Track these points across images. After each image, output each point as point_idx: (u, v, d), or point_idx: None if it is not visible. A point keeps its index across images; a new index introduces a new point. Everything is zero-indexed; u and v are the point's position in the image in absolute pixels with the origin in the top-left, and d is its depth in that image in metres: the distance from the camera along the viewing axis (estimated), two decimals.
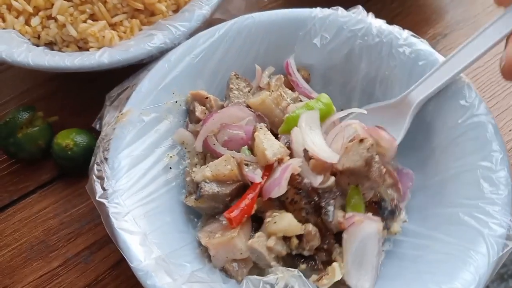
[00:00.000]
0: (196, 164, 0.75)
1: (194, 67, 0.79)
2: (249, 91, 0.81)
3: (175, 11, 0.93)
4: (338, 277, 0.65)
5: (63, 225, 0.81)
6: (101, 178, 0.68)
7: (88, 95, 0.81)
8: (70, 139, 0.81)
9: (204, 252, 0.70)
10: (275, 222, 0.67)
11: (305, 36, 0.84)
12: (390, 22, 1.08)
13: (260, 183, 0.68)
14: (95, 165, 0.70)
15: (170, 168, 0.75)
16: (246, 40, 0.83)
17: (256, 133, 0.70)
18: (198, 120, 0.77)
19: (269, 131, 0.72)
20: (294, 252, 0.68)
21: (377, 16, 0.87)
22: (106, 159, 0.69)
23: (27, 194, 0.84)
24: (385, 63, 0.82)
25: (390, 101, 0.80)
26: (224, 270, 0.68)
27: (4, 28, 0.87)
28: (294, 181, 0.67)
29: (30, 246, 0.80)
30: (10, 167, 0.87)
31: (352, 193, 0.69)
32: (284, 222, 0.66)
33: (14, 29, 0.87)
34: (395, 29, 0.83)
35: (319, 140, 0.69)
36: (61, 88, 0.95)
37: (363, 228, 0.66)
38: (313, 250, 0.68)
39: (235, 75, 0.80)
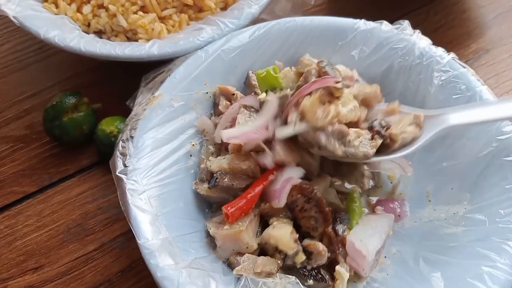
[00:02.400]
0: (212, 153, 0.77)
1: (229, 62, 0.81)
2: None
3: (223, 8, 0.94)
4: (346, 277, 0.67)
5: (100, 210, 0.83)
6: (124, 154, 0.70)
7: (131, 84, 0.83)
8: (114, 126, 0.82)
9: (211, 242, 0.71)
10: (274, 227, 0.68)
11: (343, 46, 0.84)
12: (432, 33, 1.08)
13: (263, 187, 0.69)
14: (121, 142, 0.72)
15: (191, 155, 0.76)
16: (284, 43, 0.83)
17: None
18: (221, 114, 0.78)
19: None
20: (298, 266, 0.68)
21: (420, 27, 0.87)
22: (132, 137, 0.71)
23: (67, 177, 0.86)
24: (422, 87, 0.80)
25: (425, 111, 0.76)
26: (228, 263, 0.69)
27: (56, 14, 0.89)
28: (305, 190, 0.68)
29: (67, 228, 0.81)
30: (52, 149, 0.89)
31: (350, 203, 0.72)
32: (280, 232, 0.67)
33: (66, 15, 0.89)
34: (438, 51, 0.81)
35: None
36: (105, 76, 0.97)
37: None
38: None
39: (253, 73, 0.80)
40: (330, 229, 0.68)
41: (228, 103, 0.79)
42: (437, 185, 0.75)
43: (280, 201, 0.68)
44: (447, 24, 1.11)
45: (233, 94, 0.79)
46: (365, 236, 0.67)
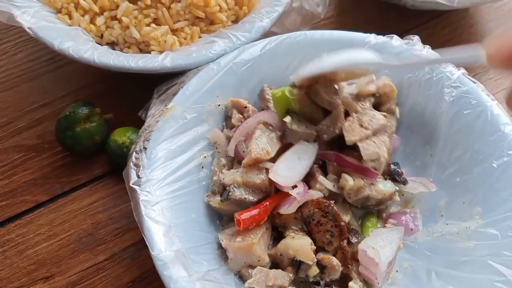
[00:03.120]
0: (224, 166, 0.77)
1: (241, 75, 0.82)
2: None
3: (234, 21, 0.95)
4: None
5: (111, 219, 0.83)
6: (137, 165, 0.71)
7: (142, 95, 0.84)
8: (126, 137, 0.83)
9: (222, 254, 0.71)
10: (293, 238, 0.68)
11: None
12: (440, 47, 1.09)
13: (280, 197, 0.70)
14: (134, 153, 0.72)
15: (202, 167, 0.77)
16: (295, 56, 0.84)
17: None
18: (233, 127, 0.79)
19: None
20: (311, 280, 0.69)
21: (427, 41, 0.88)
22: (145, 148, 0.72)
23: (79, 187, 0.87)
24: (432, 102, 0.80)
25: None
26: (239, 275, 0.69)
27: (70, 25, 0.90)
28: (322, 205, 0.69)
29: (78, 237, 0.82)
30: (64, 159, 0.89)
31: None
32: (300, 242, 0.67)
33: (79, 26, 0.90)
34: (448, 67, 0.81)
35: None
36: (116, 87, 0.97)
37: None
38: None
39: (268, 87, 0.81)
40: (345, 243, 0.68)
41: (241, 116, 0.80)
42: (449, 199, 0.75)
43: (290, 208, 0.69)
44: (454, 39, 1.12)
45: (245, 107, 0.80)
46: (377, 245, 0.68)
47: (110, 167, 0.88)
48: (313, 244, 0.68)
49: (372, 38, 0.84)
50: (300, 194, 0.68)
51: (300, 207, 0.69)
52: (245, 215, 0.67)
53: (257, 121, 0.75)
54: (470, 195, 0.74)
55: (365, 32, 0.86)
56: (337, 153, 0.71)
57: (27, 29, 0.83)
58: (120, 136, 0.84)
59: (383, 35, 1.12)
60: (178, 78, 0.81)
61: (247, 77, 0.82)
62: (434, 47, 1.00)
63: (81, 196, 0.86)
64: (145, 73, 0.83)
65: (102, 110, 0.90)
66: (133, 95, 0.90)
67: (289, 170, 0.69)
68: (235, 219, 0.68)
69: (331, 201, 0.69)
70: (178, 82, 0.80)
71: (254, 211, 0.68)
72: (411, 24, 1.12)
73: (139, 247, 0.80)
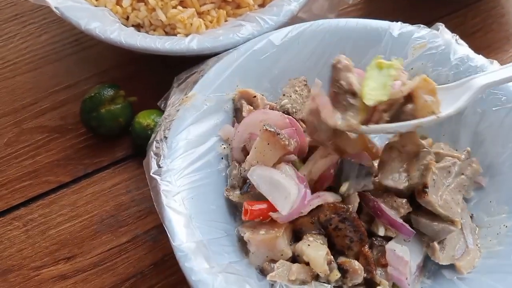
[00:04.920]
0: (239, 162, 0.74)
1: (262, 63, 0.80)
2: (304, 100, 0.78)
3: (261, 5, 0.94)
4: None
5: (134, 202, 0.83)
6: (158, 155, 0.70)
7: (166, 79, 0.83)
8: (150, 119, 0.82)
9: (243, 246, 0.69)
10: (308, 245, 0.65)
11: (378, 50, 0.81)
12: (469, 37, 1.07)
13: None
14: (155, 142, 0.71)
15: (222, 158, 0.75)
16: (319, 45, 0.82)
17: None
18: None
19: None
20: (333, 285, 0.66)
21: (457, 30, 0.85)
22: (165, 138, 0.71)
23: (101, 169, 0.86)
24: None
25: (449, 85, 0.70)
26: (260, 269, 0.67)
27: (96, 6, 0.89)
28: (339, 210, 0.65)
29: (101, 219, 0.81)
30: (87, 141, 0.89)
31: None
32: (314, 252, 0.64)
33: (106, 7, 0.89)
34: (479, 60, 0.78)
35: None
36: (141, 70, 0.97)
37: None
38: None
39: (304, 80, 0.79)
40: (366, 248, 0.66)
41: (251, 108, 0.76)
42: (478, 198, 0.73)
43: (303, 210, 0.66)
44: (484, 28, 1.09)
45: (254, 97, 0.77)
46: (406, 244, 0.66)
47: (133, 149, 0.87)
48: (329, 253, 0.65)
49: (397, 26, 0.81)
50: (280, 218, 0.65)
51: (316, 211, 0.66)
52: (256, 206, 0.65)
53: (258, 121, 0.71)
54: (498, 194, 0.72)
55: (392, 20, 0.83)
56: (377, 202, 0.67)
57: (54, 9, 0.83)
58: (145, 118, 0.83)
59: (411, 23, 1.10)
60: (198, 67, 0.79)
61: (268, 66, 0.80)
62: (463, 36, 0.97)
63: (103, 178, 0.85)
64: (171, 55, 0.82)
65: (127, 93, 0.89)
66: (157, 79, 0.89)
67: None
68: (243, 208, 0.66)
69: (349, 206, 0.66)
70: (198, 71, 0.78)
71: (263, 206, 0.65)
72: (441, 13, 1.10)
73: (161, 230, 0.79)
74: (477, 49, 1.05)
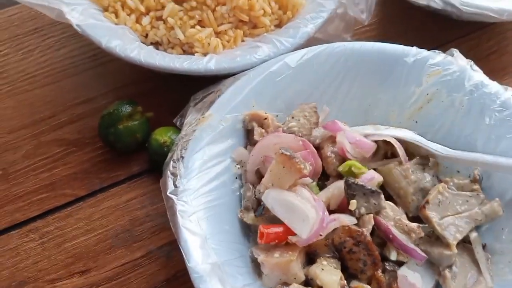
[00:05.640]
0: (253, 184, 0.75)
1: (278, 84, 0.80)
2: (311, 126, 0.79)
3: (277, 26, 0.95)
4: None
5: (148, 217, 0.84)
6: (174, 175, 0.71)
7: (182, 96, 0.84)
8: (167, 136, 0.84)
9: (256, 268, 0.70)
10: (322, 269, 0.66)
11: (392, 76, 0.82)
12: (484, 60, 1.08)
13: None
14: (171, 162, 0.72)
15: (236, 178, 0.76)
16: (333, 67, 0.82)
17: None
18: (256, 142, 0.76)
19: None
20: None
21: (471, 52, 0.85)
22: (182, 157, 0.72)
23: (117, 183, 0.88)
24: (470, 125, 0.78)
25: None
26: None
27: (116, 24, 0.91)
28: (354, 233, 0.66)
29: (116, 233, 0.83)
30: (104, 155, 0.90)
31: None
32: (327, 277, 0.65)
33: (126, 25, 0.91)
34: (493, 88, 0.78)
35: None
36: (158, 87, 0.98)
37: None
38: None
39: (314, 107, 0.80)
40: (379, 273, 0.66)
41: (262, 130, 0.77)
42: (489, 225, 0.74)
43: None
44: (500, 51, 1.10)
45: (265, 119, 0.77)
46: (418, 270, 0.66)
47: (150, 165, 0.89)
48: (343, 278, 0.65)
49: (412, 52, 0.82)
50: (299, 242, 0.65)
51: (330, 233, 0.67)
52: (272, 229, 0.66)
53: (272, 144, 0.72)
54: (511, 221, 0.72)
55: (407, 41, 0.84)
56: (388, 226, 0.68)
57: (75, 26, 0.84)
58: (162, 135, 0.84)
59: (426, 45, 1.10)
60: (215, 87, 0.81)
61: (283, 87, 0.81)
62: (478, 58, 0.98)
63: (119, 192, 0.87)
64: (189, 74, 0.83)
65: (144, 108, 0.91)
66: (174, 96, 0.91)
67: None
68: (259, 231, 0.67)
69: (363, 229, 0.66)
70: (215, 91, 0.80)
71: (279, 229, 0.66)
72: (455, 34, 1.11)
73: (174, 246, 0.80)
74: (492, 72, 1.06)
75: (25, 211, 0.85)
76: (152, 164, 0.88)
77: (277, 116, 0.81)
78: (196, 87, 0.84)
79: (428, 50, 1.09)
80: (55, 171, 0.89)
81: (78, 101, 0.98)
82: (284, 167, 0.68)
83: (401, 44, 0.83)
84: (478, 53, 1.08)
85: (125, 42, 0.84)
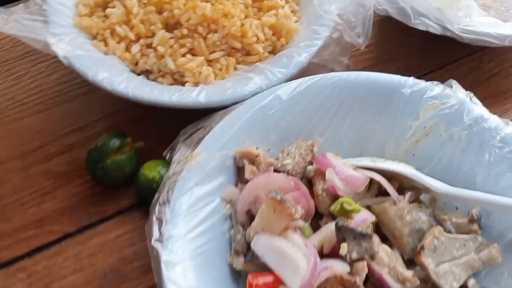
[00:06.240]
0: (243, 225, 0.72)
1: (269, 118, 0.78)
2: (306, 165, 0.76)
3: (271, 52, 0.92)
4: None
5: (137, 255, 0.82)
6: (160, 220, 0.68)
7: (173, 125, 0.82)
8: (156, 172, 0.81)
9: None
10: None
11: (388, 109, 0.79)
12: (485, 82, 1.05)
13: None
14: (157, 205, 0.69)
15: (226, 218, 0.74)
16: (327, 99, 0.79)
17: None
18: (247, 181, 0.74)
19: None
20: None
21: (471, 74, 0.82)
22: (169, 201, 0.69)
23: (106, 218, 0.85)
24: (470, 160, 0.75)
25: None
26: None
27: (106, 53, 0.89)
28: (346, 282, 0.63)
29: (104, 273, 0.80)
30: (93, 188, 0.88)
31: None
32: None
33: (114, 54, 0.89)
34: (493, 122, 0.75)
35: None
36: (148, 114, 0.95)
37: None
38: None
39: (311, 145, 0.77)
40: None
41: (254, 168, 0.74)
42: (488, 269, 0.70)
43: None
44: (501, 73, 1.06)
45: (257, 156, 0.75)
46: None
47: (138, 199, 0.86)
48: None
49: (409, 83, 0.79)
50: None
51: (322, 282, 0.63)
52: (260, 279, 0.63)
53: (263, 184, 0.70)
54: (510, 265, 0.69)
55: (406, 63, 0.81)
56: (381, 275, 0.65)
57: (61, 58, 0.82)
58: (150, 170, 0.82)
59: (425, 67, 1.07)
60: (205, 121, 0.78)
61: (275, 120, 0.78)
62: (478, 81, 0.95)
63: (107, 228, 0.84)
64: (179, 108, 0.81)
65: (133, 136, 0.88)
66: (163, 124, 0.88)
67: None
68: (247, 282, 0.64)
69: (356, 278, 0.63)
70: (204, 126, 0.77)
71: (269, 278, 0.63)
72: (455, 56, 1.07)
73: None
74: (493, 96, 1.03)
75: (13, 249, 0.82)
76: (140, 198, 0.85)
77: (269, 150, 0.79)
78: (187, 115, 0.81)
79: (428, 72, 1.07)
80: (44, 206, 0.87)
81: (67, 130, 0.95)
82: (274, 211, 0.65)
83: (400, 66, 0.80)
84: (478, 75, 1.05)
85: (112, 74, 0.82)
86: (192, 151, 0.75)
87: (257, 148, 0.77)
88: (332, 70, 0.92)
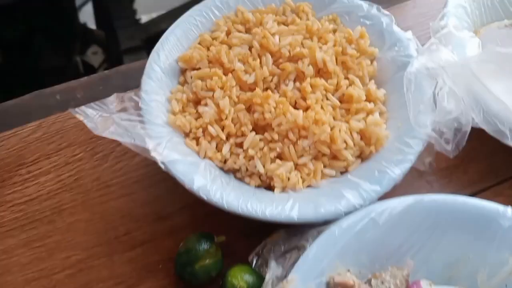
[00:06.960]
0: None
1: (362, 241, 0.78)
2: None
3: (358, 156, 0.92)
4: None
5: None
6: None
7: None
8: (244, 282, 0.82)
9: None
10: None
11: (484, 243, 0.78)
12: None
13: None
14: None
15: None
16: (422, 224, 0.79)
17: None
18: None
19: None
20: None
21: None
22: None
23: None
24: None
25: None
26: None
27: (197, 152, 0.91)
28: None
29: None
30: (176, 284, 0.90)
31: None
32: None
33: (206, 154, 0.90)
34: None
35: None
36: None
37: None
38: None
39: (407, 275, 0.76)
40: None
41: None
42: None
43: None
44: None
45: (352, 286, 0.75)
46: None
47: None
48: None
49: (509, 213, 0.77)
50: None
51: None
52: None
53: None
54: None
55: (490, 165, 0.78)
56: None
57: (160, 164, 0.84)
58: (237, 278, 0.83)
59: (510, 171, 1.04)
60: (298, 240, 0.79)
61: (368, 242, 0.78)
62: None
63: None
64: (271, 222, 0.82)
65: (213, 229, 0.89)
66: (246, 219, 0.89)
67: None
68: None
69: None
70: (298, 246, 0.78)
71: None
72: None
73: None
74: None
75: None
76: None
77: (359, 272, 0.79)
78: None
79: None
80: None
81: (152, 218, 0.97)
82: None
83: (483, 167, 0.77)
84: None
85: (207, 182, 0.84)
86: (285, 271, 0.75)
87: (348, 271, 0.77)
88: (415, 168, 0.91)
